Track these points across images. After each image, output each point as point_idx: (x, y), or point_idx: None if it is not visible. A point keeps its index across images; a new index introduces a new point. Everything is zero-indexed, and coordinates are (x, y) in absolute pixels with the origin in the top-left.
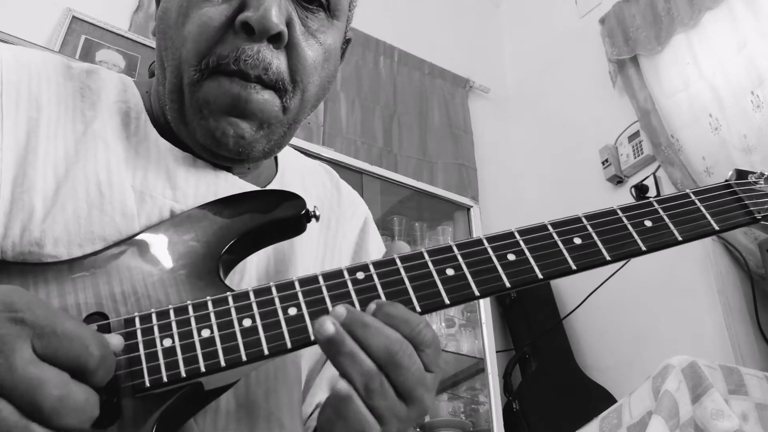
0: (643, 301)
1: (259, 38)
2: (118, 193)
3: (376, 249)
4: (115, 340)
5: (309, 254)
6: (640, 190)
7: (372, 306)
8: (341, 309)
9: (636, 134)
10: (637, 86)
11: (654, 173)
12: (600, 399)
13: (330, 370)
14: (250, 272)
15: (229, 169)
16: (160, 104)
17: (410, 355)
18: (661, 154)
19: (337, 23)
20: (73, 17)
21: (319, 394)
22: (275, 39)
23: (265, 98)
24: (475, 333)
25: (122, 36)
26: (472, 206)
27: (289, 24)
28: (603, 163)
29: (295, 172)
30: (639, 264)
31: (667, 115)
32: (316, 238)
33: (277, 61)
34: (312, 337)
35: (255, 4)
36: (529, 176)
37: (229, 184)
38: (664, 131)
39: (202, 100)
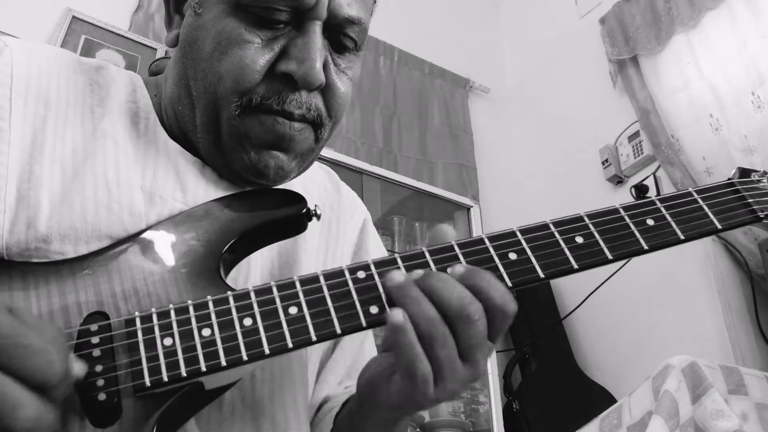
0: (643, 301)
1: (301, 88)
2: (126, 193)
3: (375, 248)
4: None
5: (311, 255)
6: (640, 190)
7: (460, 268)
8: (418, 270)
9: (636, 134)
10: (637, 86)
11: (654, 173)
12: (600, 399)
13: (337, 367)
14: (254, 274)
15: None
16: (177, 118)
17: (481, 312)
18: (661, 154)
19: (360, 53)
20: (73, 17)
21: (326, 389)
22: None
23: (305, 135)
24: None
25: (122, 36)
26: (472, 206)
27: (324, 67)
28: (603, 163)
29: None
30: (639, 264)
31: (667, 115)
32: (317, 240)
33: (315, 101)
34: (313, 338)
35: (299, 57)
36: (529, 176)
37: (237, 189)
38: (664, 131)
39: (243, 134)
